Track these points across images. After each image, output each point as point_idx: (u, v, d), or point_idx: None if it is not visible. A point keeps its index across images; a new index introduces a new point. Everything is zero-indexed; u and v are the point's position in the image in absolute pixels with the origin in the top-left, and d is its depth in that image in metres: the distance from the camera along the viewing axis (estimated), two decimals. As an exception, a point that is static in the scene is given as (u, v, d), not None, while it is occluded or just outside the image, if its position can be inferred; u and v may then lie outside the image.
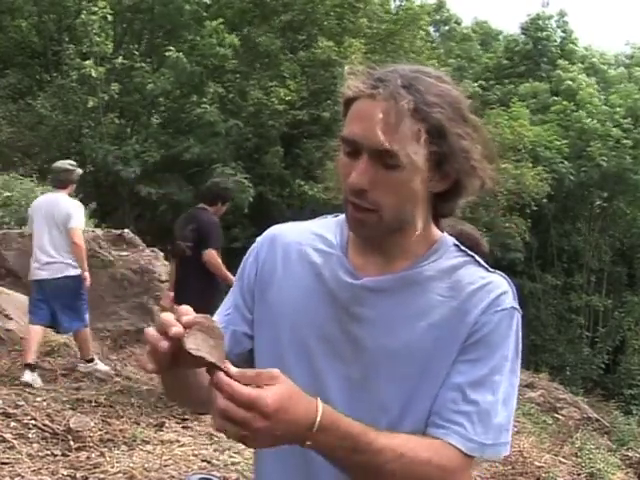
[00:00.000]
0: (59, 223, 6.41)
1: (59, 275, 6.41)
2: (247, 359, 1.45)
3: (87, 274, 6.54)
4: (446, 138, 1.27)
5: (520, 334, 1.37)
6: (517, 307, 1.37)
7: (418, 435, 1.30)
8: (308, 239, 1.47)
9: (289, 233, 1.50)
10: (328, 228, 1.48)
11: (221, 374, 1.09)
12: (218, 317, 1.47)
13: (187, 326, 1.11)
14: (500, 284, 1.37)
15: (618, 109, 21.58)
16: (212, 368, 1.11)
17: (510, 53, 26.74)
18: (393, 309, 1.35)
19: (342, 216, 1.45)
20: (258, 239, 1.53)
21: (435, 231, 1.43)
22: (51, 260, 6.42)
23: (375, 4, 18.86)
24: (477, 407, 1.30)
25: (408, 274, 1.37)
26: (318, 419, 1.14)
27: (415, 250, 1.39)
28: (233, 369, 1.10)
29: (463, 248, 1.43)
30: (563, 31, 26.79)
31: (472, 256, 1.42)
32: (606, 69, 25.81)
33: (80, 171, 6.85)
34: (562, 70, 24.00)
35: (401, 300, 1.36)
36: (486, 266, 1.41)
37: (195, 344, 1.11)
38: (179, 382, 1.32)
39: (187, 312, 1.14)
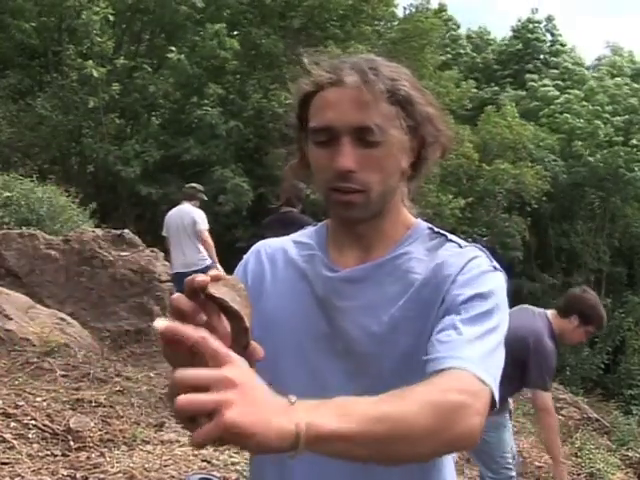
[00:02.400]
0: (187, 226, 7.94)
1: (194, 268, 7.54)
2: None
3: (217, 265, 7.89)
4: (414, 106, 1.33)
5: (505, 293, 1.34)
6: (497, 267, 1.36)
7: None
8: (292, 247, 1.51)
9: (273, 244, 1.55)
10: (307, 236, 1.52)
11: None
12: None
13: (214, 279, 1.06)
14: (472, 250, 1.38)
15: (607, 107, 21.75)
16: (235, 321, 1.06)
17: (501, 55, 27.23)
18: (372, 296, 1.37)
19: (320, 224, 1.52)
20: (245, 255, 1.56)
21: (409, 216, 1.46)
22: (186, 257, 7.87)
23: (382, 9, 18.81)
24: (473, 344, 1.20)
25: (384, 260, 1.40)
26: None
27: (392, 235, 1.43)
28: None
29: (437, 230, 1.45)
30: (551, 34, 27.58)
31: (445, 235, 1.44)
32: (578, 70, 26.12)
33: (204, 197, 8.59)
34: (534, 82, 24.44)
35: (379, 286, 1.38)
36: (460, 242, 1.42)
37: (218, 291, 1.05)
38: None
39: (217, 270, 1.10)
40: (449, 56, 26.11)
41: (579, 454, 7.36)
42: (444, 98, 18.25)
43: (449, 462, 1.46)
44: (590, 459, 7.15)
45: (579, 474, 6.82)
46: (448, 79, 19.44)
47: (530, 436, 7.43)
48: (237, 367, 0.92)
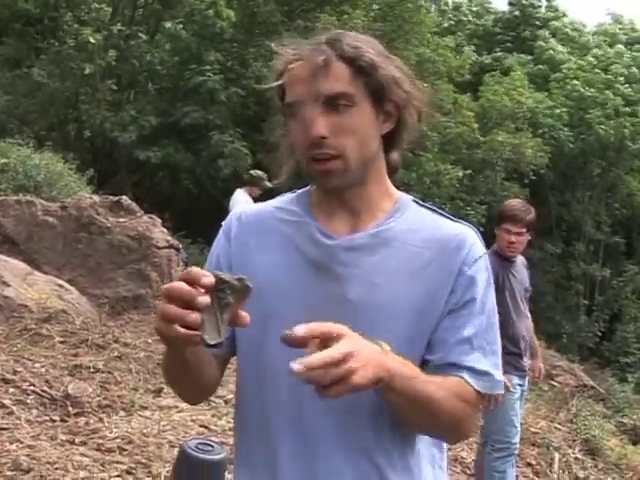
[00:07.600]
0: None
1: None
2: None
3: None
4: (378, 70, 1.37)
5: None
6: (485, 249, 1.46)
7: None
8: (274, 213, 1.51)
9: (254, 211, 1.55)
10: (289, 202, 1.53)
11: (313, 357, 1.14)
12: None
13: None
14: (469, 233, 1.45)
15: (620, 78, 21.53)
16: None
17: (497, 23, 27.11)
18: (373, 265, 1.40)
19: (299, 191, 1.53)
20: (223, 223, 1.56)
21: (394, 188, 1.50)
22: None
23: None
24: (485, 350, 1.41)
25: (381, 230, 1.43)
26: (388, 347, 1.25)
27: (380, 206, 1.46)
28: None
29: (422, 202, 1.50)
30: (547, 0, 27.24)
31: (432, 208, 1.50)
32: (580, 37, 25.83)
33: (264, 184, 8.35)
34: (543, 41, 24.18)
35: (380, 256, 1.40)
36: (449, 216, 1.48)
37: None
38: (191, 358, 1.32)
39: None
40: (452, 22, 25.91)
41: (574, 421, 7.43)
42: (439, 65, 18.08)
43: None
44: (585, 425, 7.21)
45: (574, 440, 6.88)
46: (445, 47, 19.17)
47: (526, 403, 7.48)
48: (348, 338, 1.17)
